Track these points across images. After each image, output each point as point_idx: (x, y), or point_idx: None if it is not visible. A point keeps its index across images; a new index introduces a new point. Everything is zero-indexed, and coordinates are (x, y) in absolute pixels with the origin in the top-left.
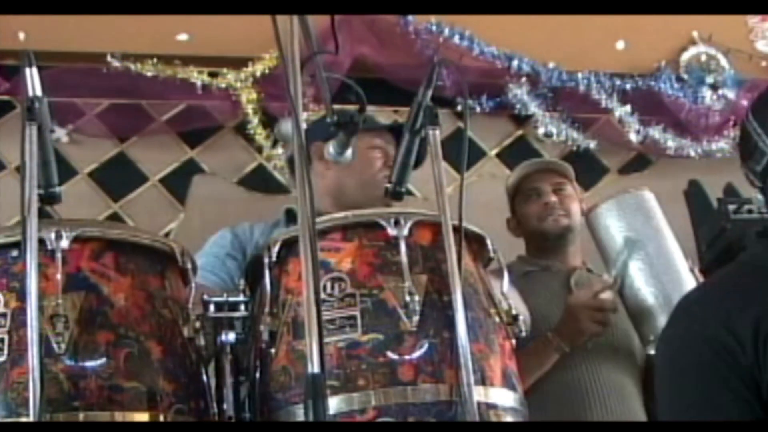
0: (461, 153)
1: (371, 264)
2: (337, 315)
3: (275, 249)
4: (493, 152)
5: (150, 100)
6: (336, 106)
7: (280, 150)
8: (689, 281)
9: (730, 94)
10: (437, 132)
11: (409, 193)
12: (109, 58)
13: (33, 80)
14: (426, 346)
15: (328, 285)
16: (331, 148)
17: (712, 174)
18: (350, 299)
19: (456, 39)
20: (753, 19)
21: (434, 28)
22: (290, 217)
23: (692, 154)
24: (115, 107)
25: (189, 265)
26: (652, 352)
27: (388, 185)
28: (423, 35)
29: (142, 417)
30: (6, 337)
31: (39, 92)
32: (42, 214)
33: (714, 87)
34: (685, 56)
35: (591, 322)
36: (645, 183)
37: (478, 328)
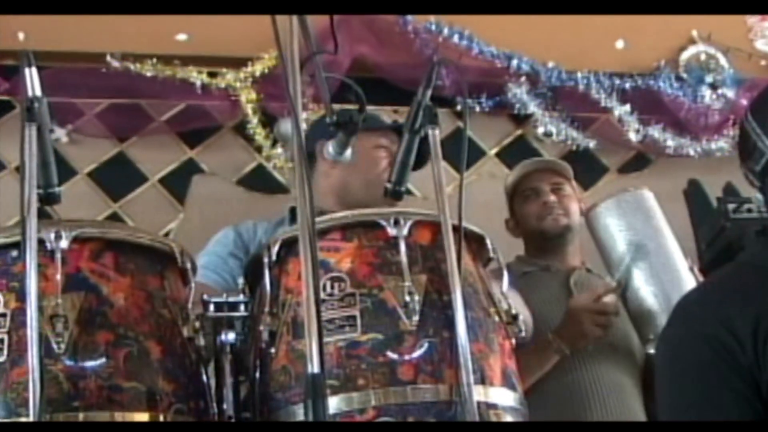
0: (461, 152)
1: (371, 264)
2: (336, 315)
3: (275, 249)
4: (493, 152)
5: (149, 100)
6: (336, 106)
7: (279, 150)
8: (689, 280)
9: (730, 93)
10: (437, 132)
11: (409, 192)
12: (108, 58)
13: (32, 80)
14: (426, 345)
15: (328, 285)
16: (330, 147)
17: (712, 173)
18: (350, 299)
19: (455, 38)
20: (752, 18)
21: (433, 27)
22: (294, 215)
23: (692, 153)
24: (115, 107)
25: (188, 265)
26: (652, 351)
27: (388, 185)
28: (422, 34)
29: (142, 417)
30: (6, 337)
31: (38, 92)
32: (41, 215)
33: (713, 86)
34: (685, 55)
35: (593, 326)
36: (644, 182)
37: (477, 327)
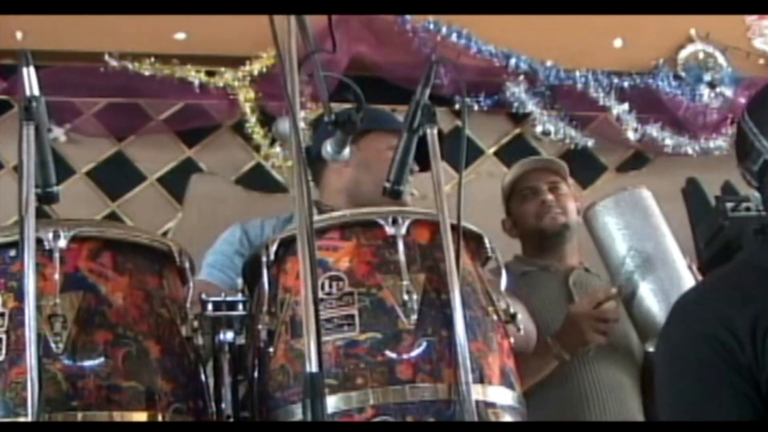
0: (459, 151)
1: (369, 263)
2: (335, 314)
3: (273, 248)
4: (491, 150)
5: (148, 99)
6: (334, 105)
7: (278, 149)
8: (687, 279)
9: (728, 92)
10: (435, 131)
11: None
12: (106, 58)
13: (30, 79)
14: (424, 344)
15: (326, 284)
16: (329, 146)
17: (710, 172)
18: (348, 298)
19: (453, 37)
20: (750, 17)
21: (432, 26)
22: None
23: (690, 151)
24: (113, 106)
25: (187, 265)
26: (651, 349)
27: (387, 184)
28: (420, 33)
29: (141, 417)
30: (4, 337)
31: (36, 91)
32: (40, 214)
33: (712, 85)
34: (683, 54)
35: (594, 333)
36: (643, 181)
37: (476, 326)
